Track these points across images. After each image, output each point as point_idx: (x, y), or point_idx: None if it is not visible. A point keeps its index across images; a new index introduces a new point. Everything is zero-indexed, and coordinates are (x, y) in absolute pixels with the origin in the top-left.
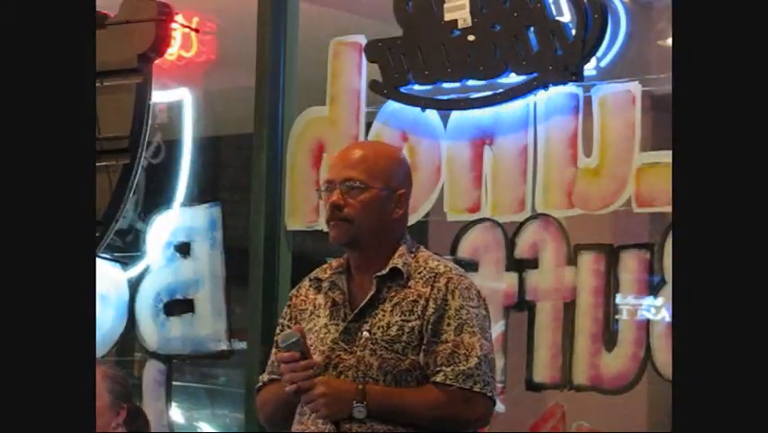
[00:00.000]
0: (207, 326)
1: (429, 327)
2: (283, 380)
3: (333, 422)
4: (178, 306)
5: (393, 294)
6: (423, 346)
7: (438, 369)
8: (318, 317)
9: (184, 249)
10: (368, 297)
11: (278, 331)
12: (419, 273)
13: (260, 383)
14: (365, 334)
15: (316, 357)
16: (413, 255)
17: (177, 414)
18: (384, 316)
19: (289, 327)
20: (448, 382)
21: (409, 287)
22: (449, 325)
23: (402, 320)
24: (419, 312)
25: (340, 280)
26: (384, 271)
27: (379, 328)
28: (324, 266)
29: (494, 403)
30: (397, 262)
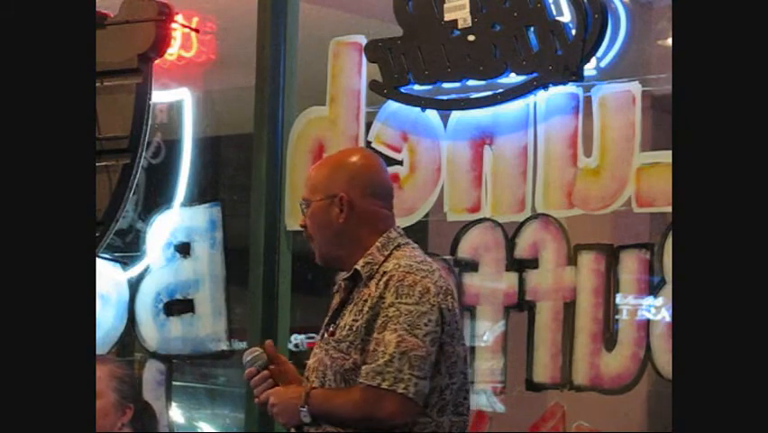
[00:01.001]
0: (207, 326)
1: (363, 325)
2: None
3: (296, 426)
4: (178, 306)
5: (356, 295)
6: (358, 346)
7: (362, 368)
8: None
9: (184, 249)
10: (339, 300)
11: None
12: (378, 273)
13: None
14: (326, 335)
15: (310, 361)
16: (387, 254)
17: (177, 414)
18: (344, 317)
19: None
20: (360, 380)
21: (368, 286)
22: (377, 323)
23: (352, 320)
24: (364, 311)
25: (344, 283)
26: (348, 274)
27: (339, 329)
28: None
29: (412, 401)
30: (359, 263)
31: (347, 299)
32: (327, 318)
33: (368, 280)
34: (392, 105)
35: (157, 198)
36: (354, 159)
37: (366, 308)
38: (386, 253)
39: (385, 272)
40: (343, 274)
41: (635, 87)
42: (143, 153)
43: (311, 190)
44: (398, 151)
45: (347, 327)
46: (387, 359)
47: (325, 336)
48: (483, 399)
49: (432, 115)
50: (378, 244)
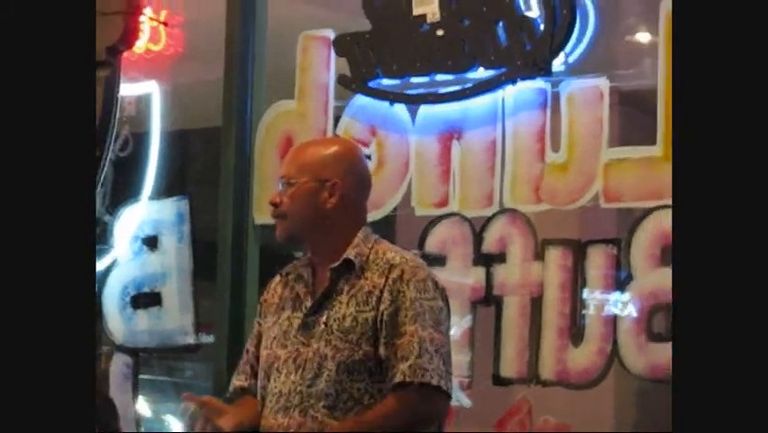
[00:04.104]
0: (174, 319)
1: (386, 319)
2: None
3: None
4: (145, 299)
5: (349, 286)
6: (383, 339)
7: (395, 368)
8: (283, 309)
9: (151, 242)
10: (323, 289)
11: (255, 327)
12: (376, 264)
13: (230, 391)
14: (321, 326)
15: (280, 351)
16: (370, 247)
17: (143, 407)
18: (340, 307)
19: (259, 324)
20: (407, 379)
21: (365, 278)
22: (406, 317)
23: (357, 311)
24: (374, 303)
25: (306, 272)
26: (337, 263)
27: (335, 320)
28: (295, 261)
29: (449, 398)
30: (349, 253)
31: (332, 289)
32: (306, 309)
33: (360, 271)
34: (360, 100)
35: (124, 191)
36: (348, 148)
37: (383, 301)
38: (369, 245)
39: (392, 264)
40: (289, 266)
41: (602, 83)
42: (111, 146)
43: (298, 170)
44: (367, 145)
45: (350, 318)
46: (428, 357)
47: (321, 327)
48: None
49: (400, 110)
50: (360, 235)
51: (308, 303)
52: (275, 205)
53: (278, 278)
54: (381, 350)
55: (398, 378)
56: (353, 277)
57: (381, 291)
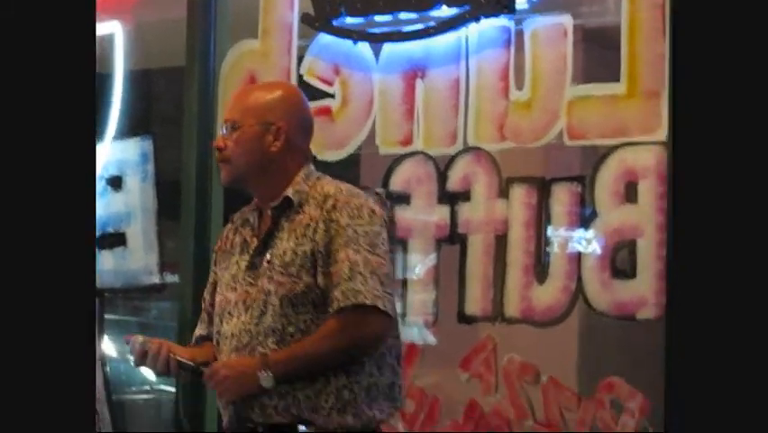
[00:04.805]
0: (139, 259)
1: (321, 249)
2: None
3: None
4: (109, 239)
5: (289, 222)
6: (320, 269)
7: (331, 295)
8: (233, 255)
9: (115, 182)
10: (266, 229)
11: (210, 275)
12: (314, 198)
13: (192, 342)
14: (265, 264)
15: (230, 294)
16: (311, 184)
17: (109, 348)
18: (281, 243)
19: (215, 273)
20: (341, 305)
21: (304, 212)
22: (338, 244)
23: (296, 245)
24: (311, 235)
25: (252, 216)
26: (277, 202)
27: (277, 256)
28: (243, 208)
29: (391, 318)
30: (289, 191)
31: (275, 227)
32: (252, 250)
33: (299, 207)
34: (324, 39)
35: None
36: (292, 92)
37: (318, 231)
38: (309, 183)
39: (327, 195)
40: (249, 208)
41: (566, 20)
42: None
43: (243, 114)
44: (330, 84)
45: (290, 251)
46: (360, 279)
47: (265, 264)
48: (415, 331)
49: (364, 48)
50: (302, 174)
51: (255, 245)
52: (220, 149)
53: (229, 225)
54: (320, 280)
55: (335, 305)
56: (293, 213)
57: (317, 223)
